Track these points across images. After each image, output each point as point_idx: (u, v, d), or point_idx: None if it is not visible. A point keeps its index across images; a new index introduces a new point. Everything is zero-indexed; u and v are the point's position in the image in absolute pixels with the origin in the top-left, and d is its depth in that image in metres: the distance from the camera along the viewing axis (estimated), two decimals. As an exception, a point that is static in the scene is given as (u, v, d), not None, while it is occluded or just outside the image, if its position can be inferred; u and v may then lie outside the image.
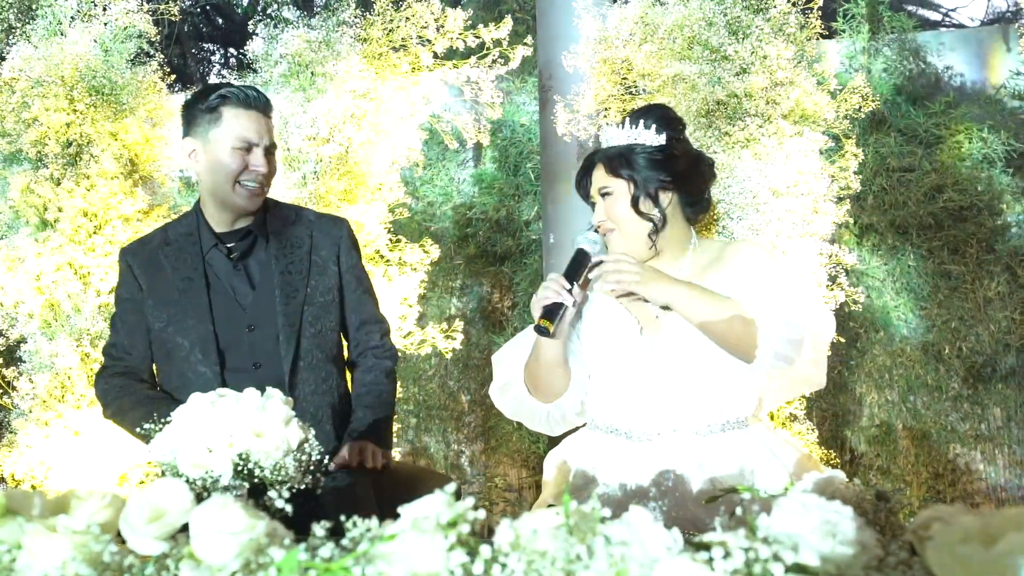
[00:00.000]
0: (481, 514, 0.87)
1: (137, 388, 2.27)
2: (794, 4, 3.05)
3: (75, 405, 3.41)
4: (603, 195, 2.04)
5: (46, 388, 3.42)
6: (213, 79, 12.20)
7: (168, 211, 3.67)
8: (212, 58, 12.46)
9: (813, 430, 3.20)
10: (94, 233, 3.43)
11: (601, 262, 2.01)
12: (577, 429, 2.25)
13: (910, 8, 8.77)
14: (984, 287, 5.96)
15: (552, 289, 1.95)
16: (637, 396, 2.02)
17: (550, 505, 2.06)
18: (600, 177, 2.05)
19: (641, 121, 2.04)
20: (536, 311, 1.96)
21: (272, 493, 1.02)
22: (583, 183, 2.11)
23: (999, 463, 5.74)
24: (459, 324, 3.65)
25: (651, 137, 2.02)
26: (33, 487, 3.43)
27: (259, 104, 2.22)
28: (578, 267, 2.00)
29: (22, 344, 3.59)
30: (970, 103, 6.15)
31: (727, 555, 0.78)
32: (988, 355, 5.79)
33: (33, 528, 1.00)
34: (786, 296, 1.94)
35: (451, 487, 0.88)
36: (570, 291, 1.95)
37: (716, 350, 1.95)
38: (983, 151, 5.85)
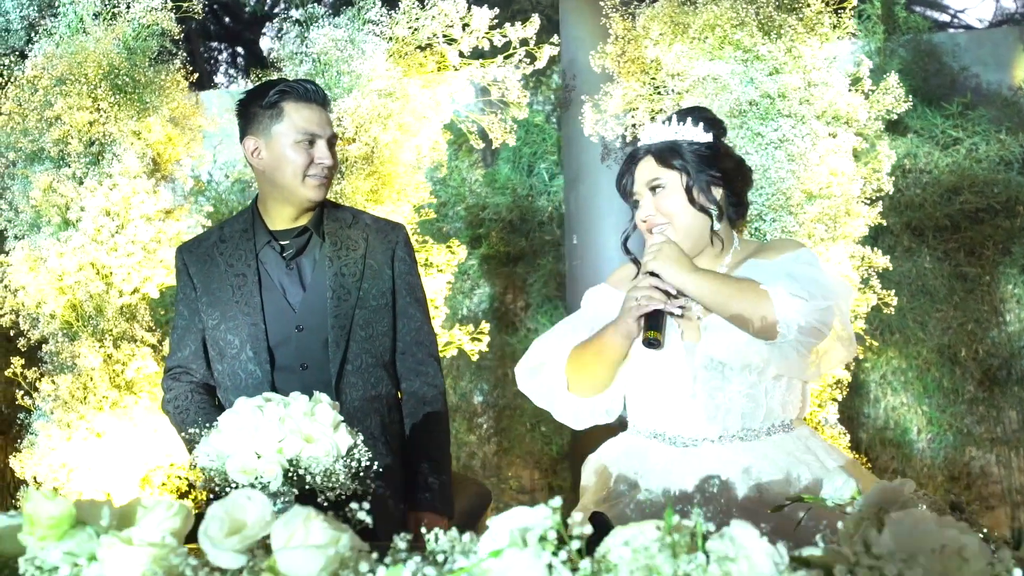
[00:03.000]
0: (587, 528, 0.84)
1: (199, 402, 2.26)
2: (826, 3, 3.02)
3: (97, 407, 3.38)
4: (653, 188, 2.00)
5: (68, 389, 3.38)
6: (220, 78, 12.20)
7: (189, 211, 3.64)
8: (219, 57, 12.46)
9: (845, 434, 3.17)
10: (116, 233, 3.40)
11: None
12: (615, 433, 2.23)
13: (918, 9, 8.75)
14: (1001, 289, 5.94)
15: (655, 298, 1.89)
16: (680, 402, 1.99)
17: (595, 513, 2.03)
18: (649, 170, 2.01)
19: (688, 119, 2.02)
20: (632, 317, 1.91)
21: (354, 504, 0.98)
22: (625, 180, 2.07)
23: (1015, 466, 5.71)
24: (485, 326, 3.61)
25: (698, 134, 2.00)
26: (55, 490, 3.40)
27: (318, 97, 2.21)
28: (660, 316, 1.94)
29: (43, 345, 3.56)
30: (987, 105, 6.12)
31: (851, 573, 0.74)
32: (1004, 358, 5.77)
33: (108, 539, 0.97)
34: (804, 268, 1.90)
35: (556, 501, 0.85)
36: (675, 296, 1.91)
37: (757, 351, 1.92)
38: (1000, 153, 5.82)
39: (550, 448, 6.05)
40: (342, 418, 1.66)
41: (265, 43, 11.51)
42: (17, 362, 3.54)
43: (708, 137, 2.00)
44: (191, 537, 1.09)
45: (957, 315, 5.83)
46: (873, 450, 5.75)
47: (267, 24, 11.30)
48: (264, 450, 1.59)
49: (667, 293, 1.90)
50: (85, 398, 3.40)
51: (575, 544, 0.85)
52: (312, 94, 2.21)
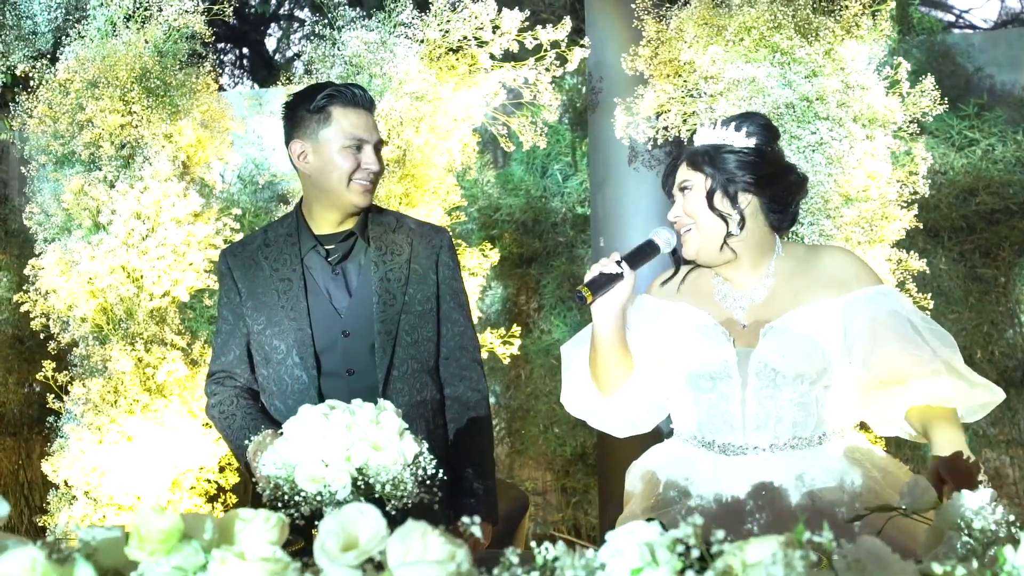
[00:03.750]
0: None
1: (246, 407, 2.24)
2: (864, 5, 3.01)
3: (128, 410, 3.37)
4: (682, 190, 2.02)
5: (99, 393, 3.37)
6: (226, 80, 12.18)
7: (219, 214, 3.63)
8: (224, 58, 12.44)
9: (880, 439, 3.16)
10: (147, 236, 3.39)
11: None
12: (661, 440, 2.22)
13: (923, 10, 8.75)
14: (1017, 291, 5.93)
15: (602, 262, 1.93)
16: (730, 409, 1.97)
17: (650, 519, 2.02)
18: (682, 172, 2.03)
19: (733, 124, 2.01)
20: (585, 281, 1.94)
21: (465, 519, 0.97)
22: (668, 180, 2.09)
23: (1030, 468, 5.71)
24: (517, 330, 3.60)
25: (740, 139, 1.99)
26: (86, 493, 3.39)
27: (365, 102, 2.20)
28: (641, 253, 1.98)
29: (74, 348, 3.55)
30: (1003, 105, 6.11)
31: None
32: (1020, 359, 5.76)
33: (220, 554, 0.96)
34: (924, 325, 1.92)
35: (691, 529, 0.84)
36: (619, 264, 1.91)
37: (813, 360, 1.91)
38: (1016, 154, 5.81)
39: (563, 450, 6.03)
40: (407, 425, 1.65)
41: (270, 44, 11.51)
42: (48, 365, 3.53)
43: (749, 143, 1.99)
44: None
45: (972, 316, 5.82)
46: (888, 452, 5.74)
47: (272, 25, 11.30)
48: (332, 458, 1.58)
49: (616, 262, 1.92)
50: (116, 402, 3.39)
51: (695, 553, 0.84)
52: (360, 99, 2.19)
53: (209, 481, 3.61)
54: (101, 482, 3.37)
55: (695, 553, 0.81)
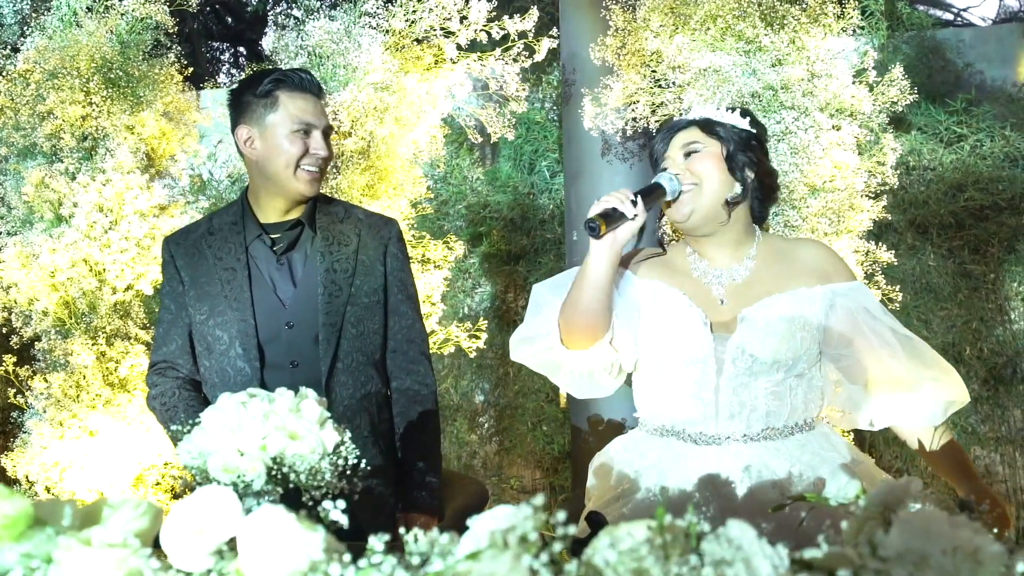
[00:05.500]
0: (572, 529, 0.79)
1: (188, 399, 2.20)
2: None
3: (90, 405, 3.34)
4: (689, 153, 1.98)
5: (61, 387, 3.34)
6: (223, 78, 12.17)
7: (185, 206, 3.59)
8: (221, 56, 12.43)
9: (848, 432, 3.11)
10: (110, 229, 3.35)
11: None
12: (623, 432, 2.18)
13: (921, 8, 8.69)
14: (1006, 287, 5.88)
15: (616, 197, 1.84)
16: (702, 397, 1.92)
17: (592, 513, 1.98)
18: (691, 135, 2.00)
19: (738, 111, 2.04)
20: (593, 212, 1.84)
21: (328, 503, 0.93)
22: (658, 146, 2.04)
23: (1019, 465, 5.66)
24: (483, 323, 3.56)
25: (745, 124, 2.02)
26: (47, 489, 3.36)
27: (312, 87, 2.16)
28: (650, 194, 1.89)
29: (36, 342, 3.51)
30: (991, 101, 6.07)
31: (856, 576, 0.69)
32: (1009, 356, 5.71)
33: (66, 541, 0.91)
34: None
35: (539, 499, 0.80)
36: (634, 203, 1.83)
37: (790, 347, 1.88)
38: (1005, 150, 5.76)
39: (551, 447, 6.00)
40: (329, 415, 1.60)
41: (267, 42, 11.51)
42: (9, 360, 3.50)
43: (753, 131, 2.03)
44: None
45: (961, 313, 5.78)
46: (877, 448, 5.69)
47: (269, 23, 11.29)
48: (247, 447, 1.53)
49: (631, 200, 1.85)
50: (78, 396, 3.36)
51: (557, 546, 0.80)
52: (307, 83, 2.15)
53: (175, 477, 3.57)
54: (63, 477, 3.34)
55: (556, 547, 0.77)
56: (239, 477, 1.50)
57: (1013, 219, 5.76)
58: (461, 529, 0.96)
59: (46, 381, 3.39)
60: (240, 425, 1.54)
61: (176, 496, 3.59)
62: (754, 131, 2.03)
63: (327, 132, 2.19)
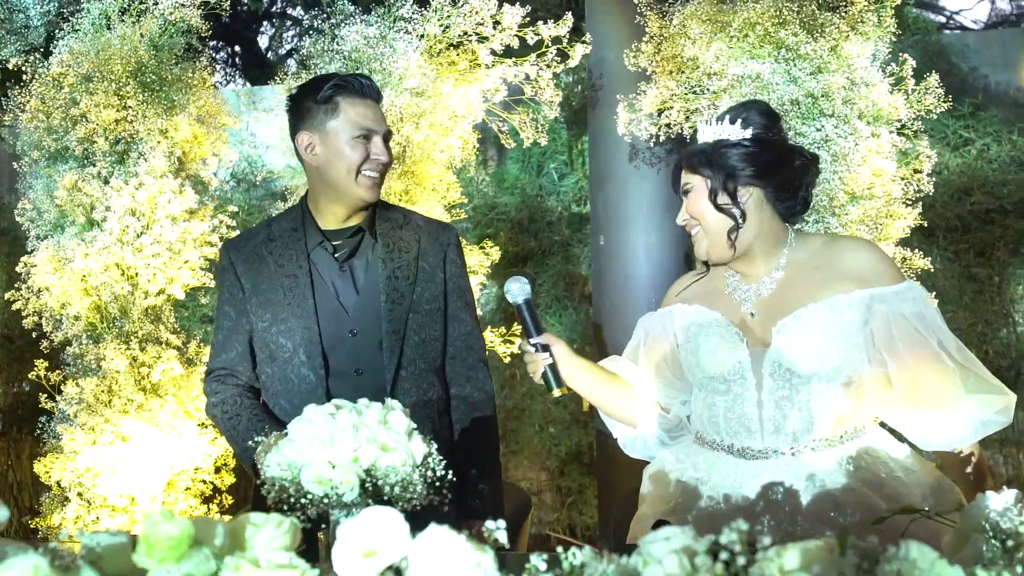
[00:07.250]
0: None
1: (251, 407, 2.18)
2: (869, 2, 2.99)
3: (122, 410, 3.31)
4: (684, 193, 2.01)
5: (93, 392, 3.31)
6: (218, 77, 12.09)
7: (215, 211, 3.57)
8: (216, 56, 12.35)
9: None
10: (142, 233, 3.33)
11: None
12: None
13: (915, 11, 8.74)
14: (1011, 290, 5.93)
15: (532, 369, 2.08)
16: (747, 413, 1.93)
17: (659, 522, 1.99)
18: (684, 174, 2.03)
19: (728, 117, 1.98)
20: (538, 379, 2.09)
21: (490, 524, 0.94)
22: (675, 184, 2.09)
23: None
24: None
25: (736, 132, 1.96)
26: (79, 494, 3.33)
27: (372, 92, 2.16)
28: (528, 320, 2.07)
29: (67, 347, 3.48)
30: (998, 105, 6.12)
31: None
32: (1014, 359, 5.76)
33: (234, 561, 0.92)
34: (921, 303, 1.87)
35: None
36: (536, 348, 2.04)
37: (827, 357, 1.86)
38: (1012, 154, 5.82)
39: (559, 449, 6.00)
40: (415, 425, 1.60)
41: (263, 42, 11.45)
42: (41, 364, 3.47)
43: (746, 134, 1.95)
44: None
45: (967, 316, 5.82)
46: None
47: (264, 23, 11.23)
48: (339, 460, 1.53)
49: (534, 350, 2.07)
50: (110, 401, 3.33)
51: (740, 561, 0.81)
52: (367, 89, 2.15)
53: (205, 482, 3.55)
54: (95, 483, 3.31)
55: (740, 561, 0.78)
56: (332, 489, 1.50)
57: (1019, 223, 5.81)
58: (507, 536, 0.97)
59: (78, 386, 3.36)
60: (332, 438, 1.53)
61: (206, 501, 3.58)
62: (751, 134, 1.96)
63: (387, 137, 2.18)
